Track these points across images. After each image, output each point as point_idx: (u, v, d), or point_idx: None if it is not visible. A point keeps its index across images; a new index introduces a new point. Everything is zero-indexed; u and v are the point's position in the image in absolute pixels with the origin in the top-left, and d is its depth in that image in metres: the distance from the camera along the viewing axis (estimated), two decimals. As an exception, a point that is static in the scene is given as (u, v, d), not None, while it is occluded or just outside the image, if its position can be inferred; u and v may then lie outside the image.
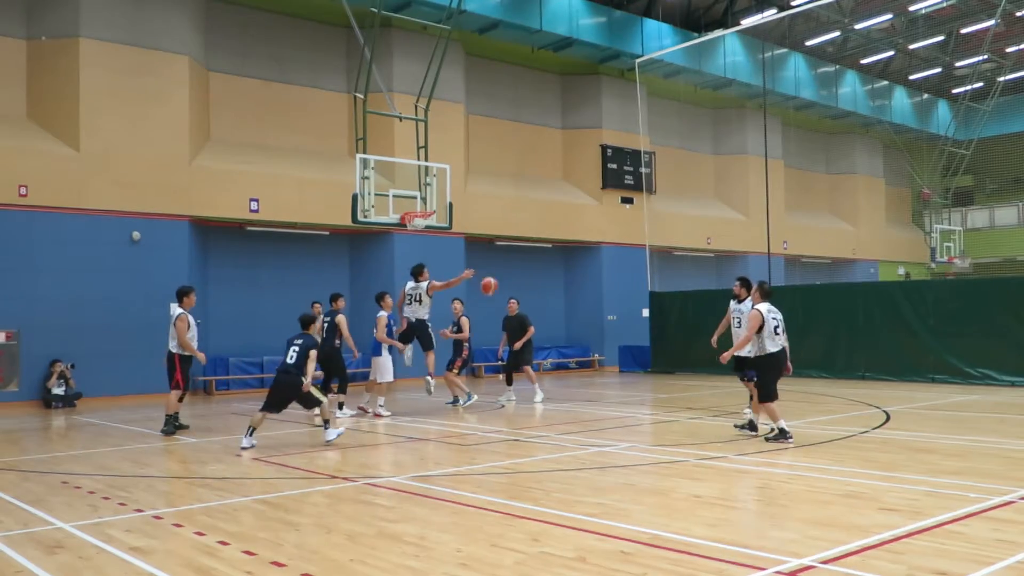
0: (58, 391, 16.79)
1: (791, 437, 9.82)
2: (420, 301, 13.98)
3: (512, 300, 16.02)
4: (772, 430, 10.02)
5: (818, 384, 17.94)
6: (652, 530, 5.82)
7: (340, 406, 13.84)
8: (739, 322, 12.37)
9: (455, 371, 14.93)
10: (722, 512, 6.48)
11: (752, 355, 10.21)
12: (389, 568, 5.08)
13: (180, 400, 12.08)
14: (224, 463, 9.43)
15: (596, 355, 26.28)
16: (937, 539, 5.42)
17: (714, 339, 12.89)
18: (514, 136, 25.86)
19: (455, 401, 14.99)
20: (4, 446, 11.32)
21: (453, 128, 22.88)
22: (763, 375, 9.98)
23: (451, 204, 17.01)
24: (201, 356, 12.01)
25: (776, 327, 9.94)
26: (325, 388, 13.62)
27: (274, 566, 5.16)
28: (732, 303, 12.66)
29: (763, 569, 4.83)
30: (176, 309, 12.10)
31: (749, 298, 11.83)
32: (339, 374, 13.83)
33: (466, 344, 14.99)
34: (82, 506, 7.13)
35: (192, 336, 11.95)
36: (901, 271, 35.85)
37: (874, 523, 5.84)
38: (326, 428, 10.65)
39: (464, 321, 14.93)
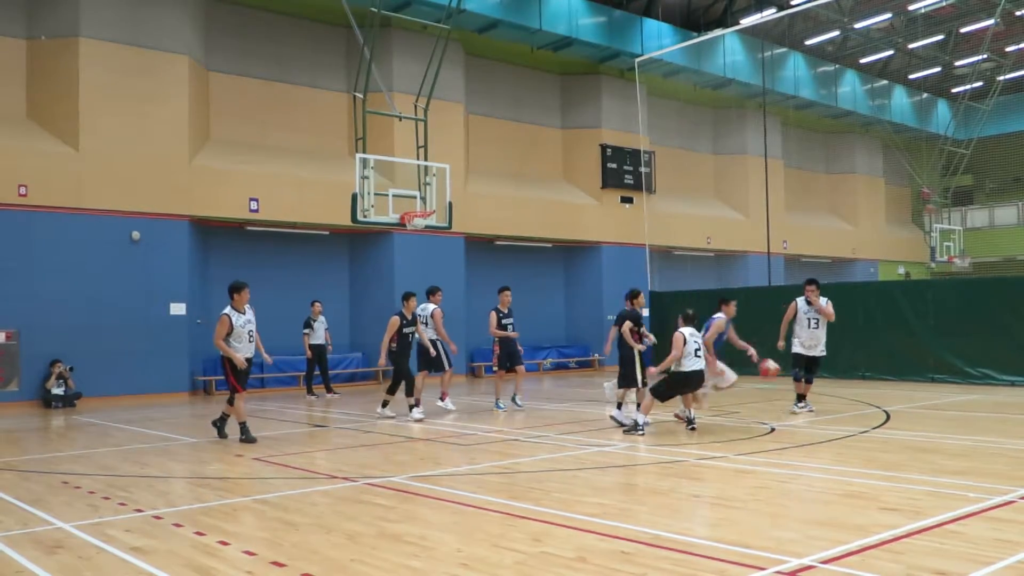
0: (57, 391, 16.79)
1: (644, 432, 10.75)
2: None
3: None
4: (636, 424, 10.88)
5: (818, 384, 17.87)
6: (653, 530, 5.82)
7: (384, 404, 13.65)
8: (816, 323, 12.43)
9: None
10: (722, 512, 6.48)
11: (669, 372, 10.97)
12: (389, 568, 5.08)
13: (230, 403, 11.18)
14: (224, 463, 9.43)
15: (596, 355, 26.26)
16: (937, 539, 5.42)
17: (781, 343, 12.90)
18: (514, 136, 25.87)
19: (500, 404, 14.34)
20: (4, 446, 11.32)
21: (453, 128, 22.88)
22: (672, 387, 10.95)
23: (451, 204, 17.01)
24: (238, 359, 10.77)
25: (696, 350, 10.86)
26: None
27: (274, 566, 5.16)
28: (802, 304, 12.63)
29: (763, 569, 4.83)
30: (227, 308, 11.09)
31: (824, 299, 12.60)
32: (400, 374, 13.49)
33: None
34: (82, 506, 7.14)
35: (240, 335, 10.86)
36: (901, 271, 35.87)
37: (874, 523, 5.85)
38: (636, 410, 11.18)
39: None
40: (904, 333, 18.23)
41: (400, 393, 13.64)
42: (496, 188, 24.56)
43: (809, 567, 4.86)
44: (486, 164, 24.89)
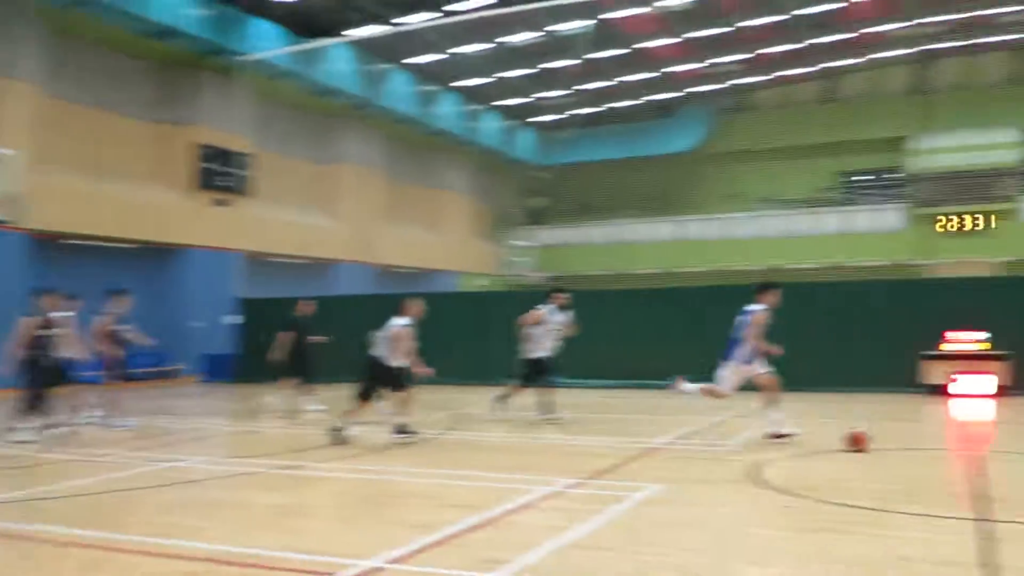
0: None
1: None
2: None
3: None
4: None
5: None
6: (224, 546, 5.57)
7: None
8: None
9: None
10: (298, 521, 6.43)
11: None
12: None
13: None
14: None
15: (174, 364, 24.34)
16: (494, 530, 5.89)
17: None
18: (98, 125, 23.38)
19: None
20: None
21: (20, 109, 20.17)
22: None
23: (17, 194, 14.97)
24: None
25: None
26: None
27: None
28: None
29: (333, 575, 4.87)
30: None
31: None
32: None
33: None
34: None
35: None
36: (481, 282, 38.87)
37: (440, 520, 6.16)
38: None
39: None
40: (482, 340, 19.44)
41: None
42: (69, 180, 21.91)
43: (378, 569, 4.98)
44: (60, 153, 22.09)
